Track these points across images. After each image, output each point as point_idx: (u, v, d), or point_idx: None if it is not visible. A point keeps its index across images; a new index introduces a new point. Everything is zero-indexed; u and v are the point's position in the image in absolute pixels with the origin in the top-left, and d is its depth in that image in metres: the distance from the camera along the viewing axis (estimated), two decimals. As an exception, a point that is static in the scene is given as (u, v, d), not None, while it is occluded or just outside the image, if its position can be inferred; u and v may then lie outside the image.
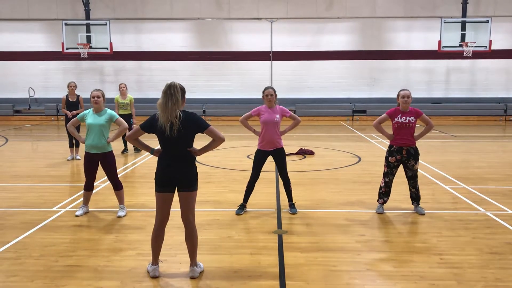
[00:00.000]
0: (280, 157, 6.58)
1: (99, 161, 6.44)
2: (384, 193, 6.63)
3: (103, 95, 6.48)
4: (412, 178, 6.54)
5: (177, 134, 4.22)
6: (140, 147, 4.65)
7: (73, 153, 11.21)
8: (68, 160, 11.11)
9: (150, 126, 4.33)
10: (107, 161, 6.44)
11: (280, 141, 6.57)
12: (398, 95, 6.55)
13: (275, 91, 6.55)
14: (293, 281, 4.40)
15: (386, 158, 6.58)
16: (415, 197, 6.64)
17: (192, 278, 4.47)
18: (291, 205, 6.66)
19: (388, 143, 6.69)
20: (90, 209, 6.75)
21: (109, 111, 6.54)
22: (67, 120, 11.01)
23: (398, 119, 6.42)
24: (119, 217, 6.42)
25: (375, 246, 5.31)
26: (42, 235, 5.69)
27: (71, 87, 11.08)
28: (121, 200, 6.59)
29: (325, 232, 5.81)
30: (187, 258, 4.91)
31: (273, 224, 6.10)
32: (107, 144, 6.43)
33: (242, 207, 6.63)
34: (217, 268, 4.70)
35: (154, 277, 4.46)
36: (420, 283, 4.34)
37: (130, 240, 5.53)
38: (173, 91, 4.18)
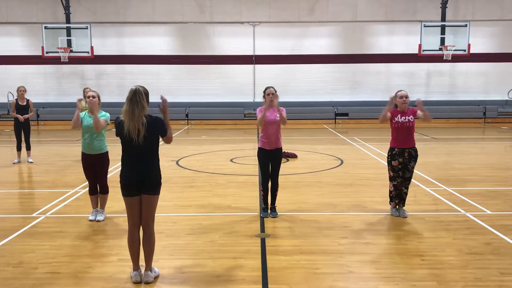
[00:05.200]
0: (278, 157, 6.59)
1: (95, 162, 6.38)
2: (395, 195, 6.62)
3: (98, 96, 6.41)
4: (408, 180, 6.56)
5: (143, 140, 4.26)
6: None
7: (19, 157, 11.24)
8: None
9: (118, 132, 4.42)
10: (102, 161, 6.41)
11: (280, 141, 6.60)
12: (395, 96, 6.51)
13: (276, 91, 6.55)
14: (276, 284, 4.40)
15: (389, 163, 6.53)
16: (403, 199, 6.66)
17: (146, 283, 4.40)
18: (272, 209, 6.66)
19: (388, 146, 6.61)
20: (71, 215, 6.67)
21: (104, 112, 6.45)
22: (17, 123, 11.12)
23: (398, 118, 6.41)
24: (98, 221, 6.36)
25: (357, 248, 5.35)
26: (21, 242, 5.59)
27: (21, 91, 11.07)
28: (103, 204, 6.54)
29: (308, 235, 5.83)
30: (169, 263, 4.91)
31: (256, 228, 6.10)
32: (103, 145, 6.40)
33: (266, 210, 6.64)
34: (199, 272, 4.68)
35: (137, 283, 4.41)
36: (402, 284, 4.38)
37: (111, 245, 5.47)
38: (139, 98, 4.23)
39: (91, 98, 6.29)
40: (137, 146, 4.29)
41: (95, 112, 6.18)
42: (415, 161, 6.53)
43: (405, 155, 6.44)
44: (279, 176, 6.69)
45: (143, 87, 4.34)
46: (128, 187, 4.39)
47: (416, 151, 6.54)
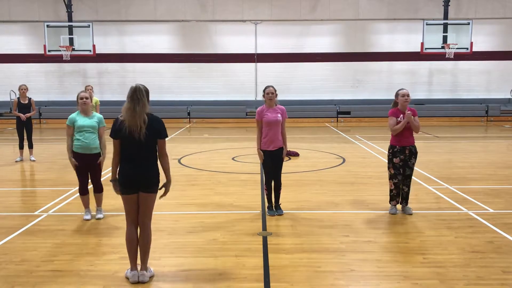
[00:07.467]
0: (279, 156, 6.56)
1: (90, 163, 6.37)
2: (396, 194, 6.61)
3: (91, 96, 6.45)
4: (409, 177, 6.58)
5: (143, 138, 4.24)
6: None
7: (22, 155, 11.27)
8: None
9: (117, 132, 4.32)
10: (96, 162, 6.40)
11: (281, 141, 6.55)
12: (397, 95, 6.55)
13: (275, 90, 6.55)
14: (278, 282, 4.40)
15: (390, 160, 6.56)
16: (406, 197, 6.66)
17: (141, 282, 4.36)
18: (277, 207, 6.65)
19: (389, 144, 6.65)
20: (73, 213, 6.68)
21: (98, 114, 6.58)
22: (19, 122, 11.12)
23: (400, 119, 6.47)
24: (99, 219, 6.37)
25: (359, 247, 5.34)
26: (24, 240, 5.60)
27: (22, 89, 11.07)
28: (100, 202, 6.54)
29: (310, 233, 5.82)
30: (171, 261, 4.91)
31: (258, 226, 6.09)
32: (97, 145, 6.40)
33: (271, 208, 6.62)
34: (201, 271, 4.67)
35: (134, 283, 4.37)
36: (404, 283, 4.38)
37: (113, 243, 5.48)
38: (139, 96, 4.23)
39: (84, 100, 6.35)
40: (137, 144, 4.26)
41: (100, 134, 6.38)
42: (416, 158, 6.57)
43: (406, 152, 6.48)
44: (281, 174, 6.68)
45: (143, 85, 4.34)
46: (127, 185, 4.37)
47: (415, 148, 6.57)
